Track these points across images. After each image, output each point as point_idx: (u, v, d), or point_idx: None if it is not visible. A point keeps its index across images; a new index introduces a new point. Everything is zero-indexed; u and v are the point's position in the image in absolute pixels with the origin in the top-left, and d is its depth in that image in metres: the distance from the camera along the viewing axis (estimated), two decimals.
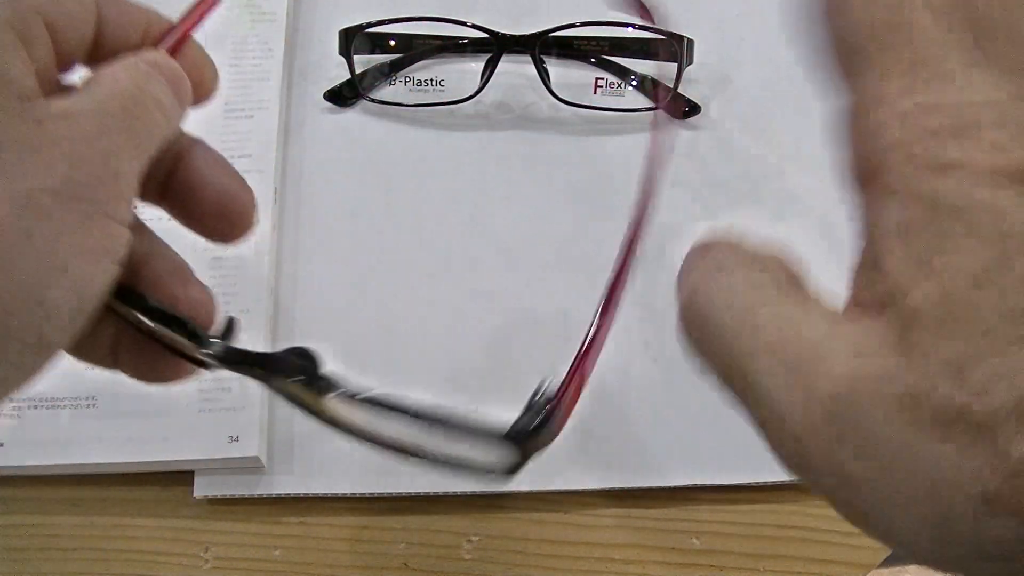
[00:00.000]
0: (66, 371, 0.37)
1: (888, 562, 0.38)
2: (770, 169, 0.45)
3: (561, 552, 0.37)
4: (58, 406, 0.37)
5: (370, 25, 0.45)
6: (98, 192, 0.19)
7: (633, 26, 0.45)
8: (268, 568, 0.37)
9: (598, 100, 0.46)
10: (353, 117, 0.46)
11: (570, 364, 0.20)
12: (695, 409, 0.39)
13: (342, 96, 0.46)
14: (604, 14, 0.45)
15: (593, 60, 0.47)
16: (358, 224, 0.43)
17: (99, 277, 0.19)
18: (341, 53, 0.45)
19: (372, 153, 0.45)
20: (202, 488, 0.37)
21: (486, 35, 0.44)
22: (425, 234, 0.43)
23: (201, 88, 0.24)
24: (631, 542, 0.37)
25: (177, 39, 0.23)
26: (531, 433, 0.20)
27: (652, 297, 0.41)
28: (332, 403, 0.22)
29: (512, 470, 0.21)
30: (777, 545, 0.37)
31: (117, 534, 0.37)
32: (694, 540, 0.38)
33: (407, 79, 0.47)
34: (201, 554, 0.37)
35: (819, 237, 0.43)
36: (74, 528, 0.37)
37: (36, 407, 0.37)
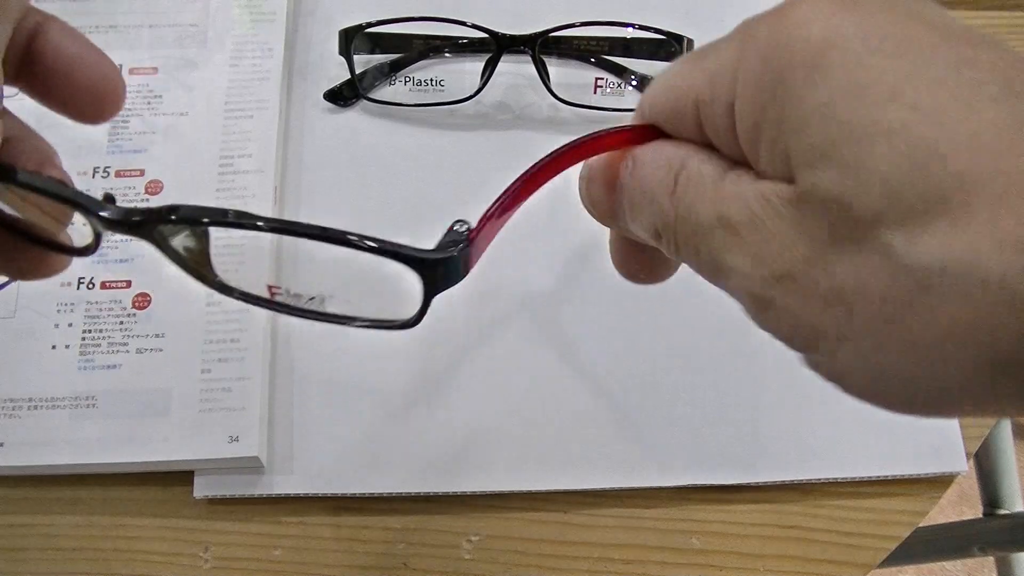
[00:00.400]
0: (66, 371, 0.37)
1: (888, 562, 0.38)
2: None
3: (561, 552, 0.37)
4: (58, 406, 0.37)
5: (370, 25, 0.45)
6: None
7: (633, 26, 0.45)
8: (268, 568, 0.37)
9: (598, 100, 0.46)
10: (353, 117, 0.46)
11: (487, 209, 0.21)
12: (695, 409, 0.39)
13: (342, 96, 0.46)
14: (604, 14, 0.45)
15: (593, 60, 0.47)
16: (358, 224, 0.43)
17: None
18: (341, 53, 0.45)
19: (372, 153, 0.45)
20: (202, 488, 0.37)
21: (486, 35, 0.44)
22: (424, 233, 0.42)
23: None
24: (631, 542, 0.37)
25: None
26: (439, 263, 0.20)
27: (649, 292, 0.41)
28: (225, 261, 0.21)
29: (416, 317, 0.21)
30: (777, 545, 0.37)
31: (117, 534, 0.37)
32: (694, 540, 0.38)
33: (407, 79, 0.47)
34: (201, 554, 0.37)
35: None
36: (74, 528, 0.37)
37: (36, 407, 0.37)
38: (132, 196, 0.41)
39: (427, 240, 0.26)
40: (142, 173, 0.42)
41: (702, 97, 0.18)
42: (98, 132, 0.43)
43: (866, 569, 0.37)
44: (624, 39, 0.46)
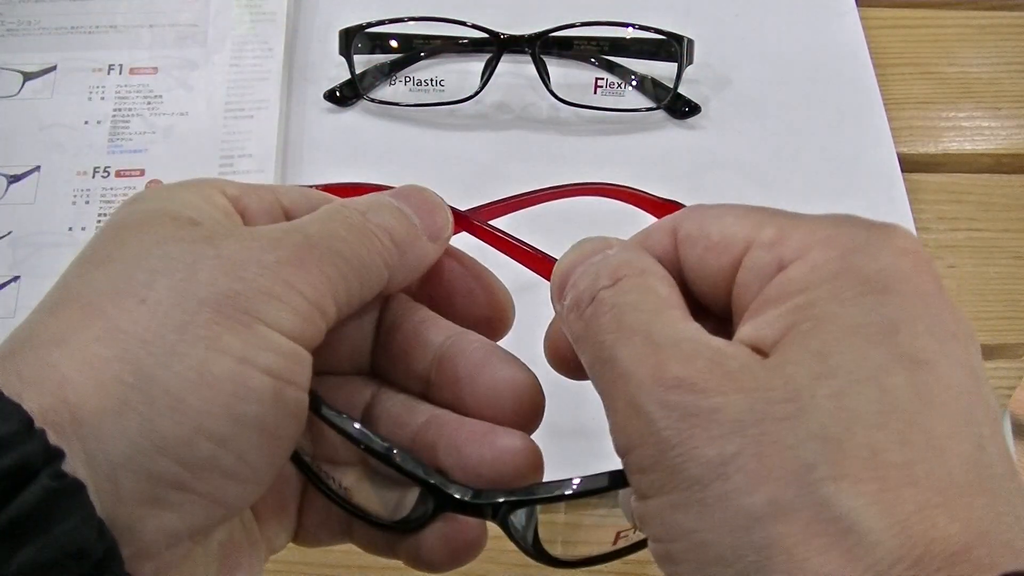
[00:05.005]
0: None
1: None
2: (769, 169, 0.45)
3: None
4: None
5: (370, 25, 0.45)
6: (254, 302, 0.18)
7: (633, 26, 0.45)
8: (268, 568, 0.37)
9: (598, 100, 0.46)
10: (353, 117, 0.46)
11: None
12: None
13: (342, 96, 0.46)
14: (604, 14, 0.45)
15: (593, 60, 0.47)
16: None
17: (247, 382, 0.17)
18: (341, 53, 0.45)
19: (372, 153, 0.45)
20: None
21: (486, 35, 0.44)
22: None
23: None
24: None
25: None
26: None
27: None
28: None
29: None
30: None
31: None
32: None
33: (407, 79, 0.47)
34: None
35: None
36: None
37: None
38: None
39: None
40: (142, 173, 0.42)
41: (750, 237, 0.18)
42: (98, 132, 0.43)
43: None
44: (624, 39, 0.46)
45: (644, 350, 0.17)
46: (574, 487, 0.20)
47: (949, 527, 0.14)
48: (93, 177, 0.42)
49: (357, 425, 0.20)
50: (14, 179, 0.42)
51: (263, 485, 0.19)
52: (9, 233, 0.41)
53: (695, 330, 0.17)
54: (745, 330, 0.17)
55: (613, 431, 0.17)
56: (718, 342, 0.17)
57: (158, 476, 0.17)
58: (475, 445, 0.21)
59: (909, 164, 0.45)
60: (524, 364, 0.23)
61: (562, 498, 0.20)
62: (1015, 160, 0.47)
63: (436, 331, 0.23)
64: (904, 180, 0.44)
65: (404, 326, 0.23)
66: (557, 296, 0.21)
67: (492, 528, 0.37)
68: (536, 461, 0.21)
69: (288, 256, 0.19)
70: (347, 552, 0.37)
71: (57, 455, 0.15)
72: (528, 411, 0.22)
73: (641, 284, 0.19)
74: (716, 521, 0.15)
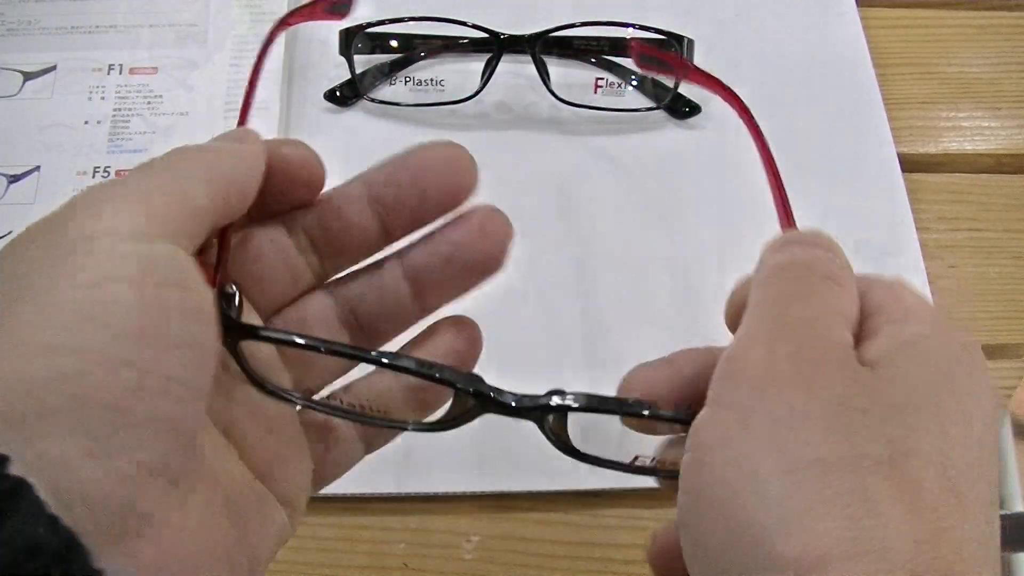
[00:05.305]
0: None
1: None
2: None
3: (561, 552, 0.37)
4: None
5: (370, 25, 0.45)
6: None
7: (633, 26, 0.45)
8: (268, 568, 0.37)
9: (598, 100, 0.46)
10: (353, 117, 0.46)
11: None
12: None
13: (342, 96, 0.46)
14: (604, 14, 0.45)
15: (593, 60, 0.47)
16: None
17: (120, 298, 0.18)
18: (341, 53, 0.45)
19: (372, 153, 0.44)
20: None
21: (486, 35, 0.44)
22: None
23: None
24: (631, 542, 0.37)
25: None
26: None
27: (652, 296, 0.41)
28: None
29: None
30: None
31: None
32: None
33: (407, 79, 0.47)
34: None
35: None
36: None
37: None
38: None
39: None
40: None
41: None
42: (98, 132, 0.43)
43: None
44: (624, 39, 0.46)
45: (785, 320, 0.20)
46: (610, 403, 0.23)
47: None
48: (93, 177, 0.42)
49: (375, 353, 0.22)
50: (14, 179, 0.42)
51: (200, 392, 0.19)
52: (9, 233, 0.41)
53: (831, 337, 0.20)
54: (866, 347, 0.20)
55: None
56: (842, 349, 0.19)
57: (96, 434, 0.16)
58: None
59: (909, 164, 0.45)
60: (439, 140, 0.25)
61: (600, 409, 0.23)
62: (1015, 160, 0.47)
63: (356, 193, 0.27)
64: (904, 180, 0.44)
65: (330, 216, 0.26)
66: (784, 242, 0.24)
67: (489, 527, 0.37)
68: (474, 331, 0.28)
69: (131, 178, 0.20)
70: (348, 552, 0.37)
71: (2, 460, 0.15)
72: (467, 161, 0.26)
73: (837, 294, 0.21)
74: (760, 440, 0.18)
